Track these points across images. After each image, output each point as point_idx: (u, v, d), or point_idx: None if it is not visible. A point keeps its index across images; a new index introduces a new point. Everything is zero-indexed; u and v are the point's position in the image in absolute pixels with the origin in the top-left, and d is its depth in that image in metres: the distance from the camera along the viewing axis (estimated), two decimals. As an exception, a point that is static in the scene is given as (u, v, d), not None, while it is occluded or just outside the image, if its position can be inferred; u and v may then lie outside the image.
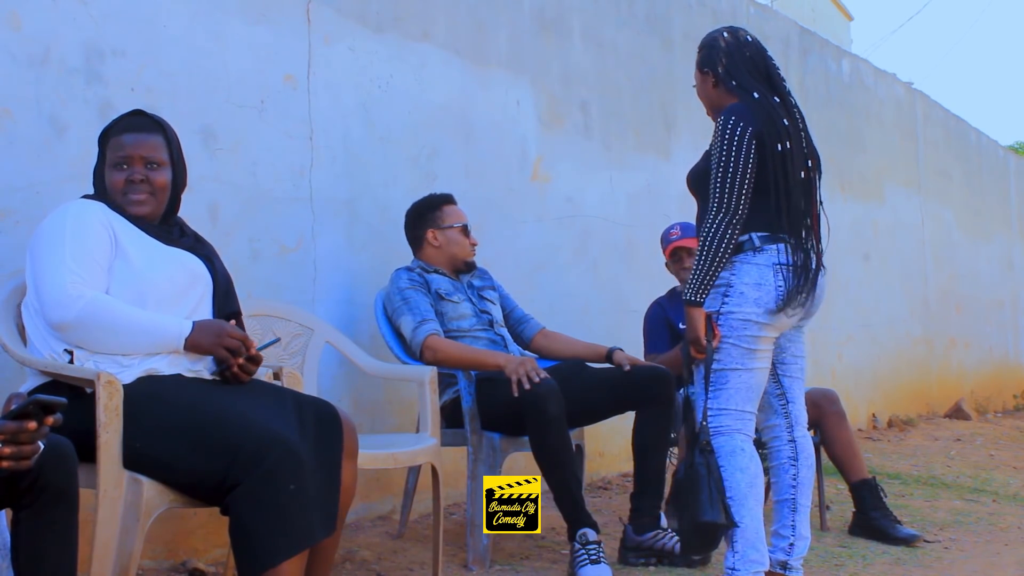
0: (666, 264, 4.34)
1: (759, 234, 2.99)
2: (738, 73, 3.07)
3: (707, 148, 3.13)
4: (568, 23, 5.08)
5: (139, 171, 2.51)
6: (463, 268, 3.82)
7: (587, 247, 5.10)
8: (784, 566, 3.08)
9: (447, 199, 3.84)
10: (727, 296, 2.97)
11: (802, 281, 3.00)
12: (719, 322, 2.97)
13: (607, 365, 3.74)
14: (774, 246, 2.99)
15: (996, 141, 10.82)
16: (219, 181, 3.41)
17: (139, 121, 2.57)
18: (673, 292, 4.38)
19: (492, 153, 4.57)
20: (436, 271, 3.75)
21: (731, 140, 2.94)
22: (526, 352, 3.85)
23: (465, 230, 3.80)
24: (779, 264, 2.98)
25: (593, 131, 5.19)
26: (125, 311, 2.37)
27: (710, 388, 2.98)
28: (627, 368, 3.63)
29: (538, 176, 4.82)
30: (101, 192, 2.56)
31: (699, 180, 3.14)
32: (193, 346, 2.42)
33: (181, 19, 3.33)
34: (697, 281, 2.94)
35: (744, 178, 2.93)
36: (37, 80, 2.94)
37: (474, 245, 3.83)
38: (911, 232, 8.63)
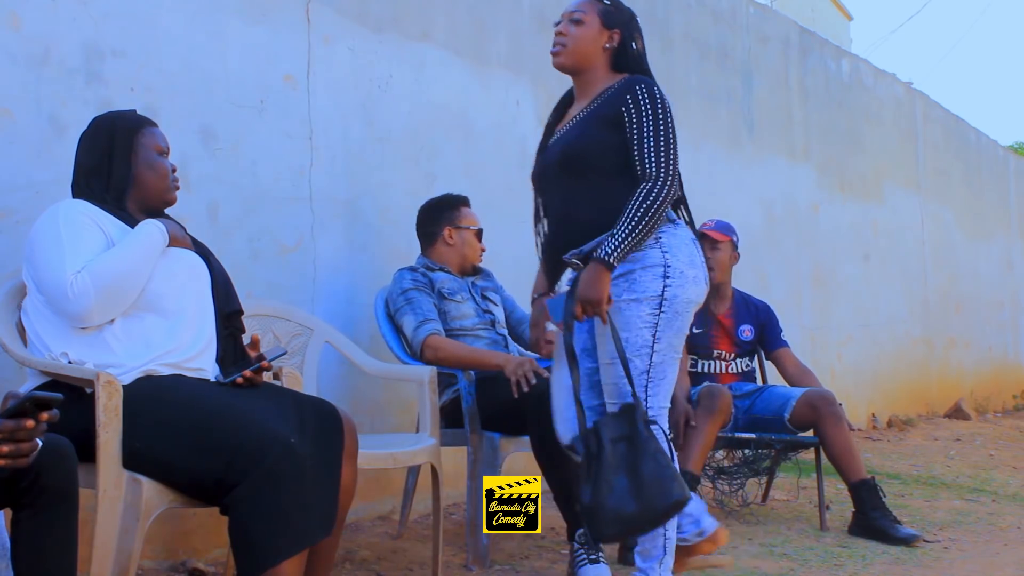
0: None
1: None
2: (638, 63, 2.92)
3: (586, 117, 2.88)
4: (568, 23, 5.07)
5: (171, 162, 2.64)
6: (470, 271, 3.84)
7: (587, 247, 5.08)
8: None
9: (465, 201, 3.85)
10: (668, 277, 2.73)
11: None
12: (662, 308, 2.74)
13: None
14: (681, 220, 2.86)
15: (996, 141, 10.82)
16: (219, 181, 3.42)
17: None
18: None
19: (492, 153, 4.57)
20: (442, 269, 3.75)
21: (664, 108, 2.78)
22: (527, 352, 3.85)
23: (479, 234, 3.83)
24: (695, 239, 2.84)
25: (593, 131, 5.18)
26: (113, 257, 2.39)
27: (649, 384, 2.76)
28: None
29: (538, 176, 4.81)
30: (100, 190, 2.54)
31: (590, 152, 2.82)
32: (172, 237, 2.52)
33: (180, 19, 3.33)
34: (623, 245, 2.66)
35: (676, 147, 2.80)
36: (37, 80, 2.95)
37: (483, 251, 3.85)
38: (911, 232, 8.63)
